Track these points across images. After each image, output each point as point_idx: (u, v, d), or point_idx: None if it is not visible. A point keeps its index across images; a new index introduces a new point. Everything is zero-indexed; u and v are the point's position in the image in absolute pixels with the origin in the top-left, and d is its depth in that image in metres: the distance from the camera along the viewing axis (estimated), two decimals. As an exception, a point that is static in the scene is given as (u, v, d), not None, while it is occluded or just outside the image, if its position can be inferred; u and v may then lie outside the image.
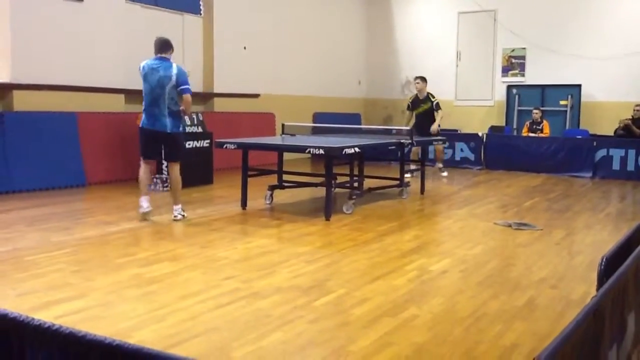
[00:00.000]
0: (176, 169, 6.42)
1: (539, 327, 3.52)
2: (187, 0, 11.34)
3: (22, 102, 8.25)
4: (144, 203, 6.27)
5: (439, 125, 10.30)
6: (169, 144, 6.38)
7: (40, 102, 8.39)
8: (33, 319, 1.28)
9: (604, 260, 2.11)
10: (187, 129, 9.11)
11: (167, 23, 10.82)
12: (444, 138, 9.93)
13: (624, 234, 2.62)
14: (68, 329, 1.23)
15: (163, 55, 6.30)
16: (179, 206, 6.42)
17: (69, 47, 8.78)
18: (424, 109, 10.35)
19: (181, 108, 6.27)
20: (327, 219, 6.57)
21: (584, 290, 4.24)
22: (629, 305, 2.07)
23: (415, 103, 10.53)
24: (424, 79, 10.45)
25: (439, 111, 10.27)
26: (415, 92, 10.76)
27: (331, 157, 6.68)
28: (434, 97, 10.37)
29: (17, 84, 8.21)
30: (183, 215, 6.43)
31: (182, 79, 6.19)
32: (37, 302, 3.74)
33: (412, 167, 9.70)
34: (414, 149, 9.54)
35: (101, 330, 3.30)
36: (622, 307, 1.97)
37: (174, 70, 6.19)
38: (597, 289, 2.01)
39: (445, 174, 10.79)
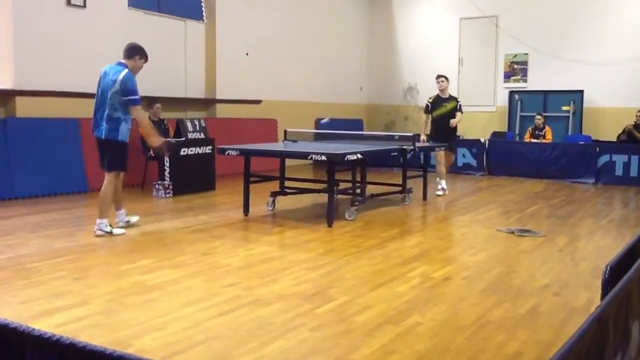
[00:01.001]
0: (107, 179, 5.89)
1: (542, 335, 3.50)
2: (189, 7, 11.38)
3: (24, 108, 8.27)
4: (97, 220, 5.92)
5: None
6: (104, 150, 5.94)
7: (43, 108, 8.41)
8: (33, 329, 1.27)
9: (608, 268, 2.10)
10: (190, 135, 9.10)
11: (170, 29, 10.86)
12: (446, 145, 9.88)
13: (628, 242, 2.60)
14: (68, 340, 1.22)
15: (123, 60, 5.97)
16: (102, 221, 5.82)
17: (72, 53, 8.81)
18: (447, 109, 9.39)
19: (133, 117, 5.89)
20: (330, 225, 6.55)
21: (587, 297, 4.21)
22: (633, 314, 2.05)
23: (436, 103, 9.48)
24: (447, 78, 9.72)
25: (460, 114, 9.41)
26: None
27: (333, 163, 6.67)
28: (458, 98, 9.75)
29: (20, 90, 8.23)
30: (108, 232, 5.81)
31: (127, 86, 5.74)
32: (38, 310, 3.73)
33: (442, 184, 9.30)
34: (440, 152, 9.07)
35: (102, 338, 3.29)
36: (626, 315, 1.96)
37: (120, 76, 5.76)
38: (602, 298, 2.00)
39: (441, 193, 9.34)
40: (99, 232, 5.83)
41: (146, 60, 6.11)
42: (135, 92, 5.79)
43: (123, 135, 5.87)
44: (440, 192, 9.33)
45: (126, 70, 5.84)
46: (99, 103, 5.92)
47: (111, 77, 5.83)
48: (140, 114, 5.93)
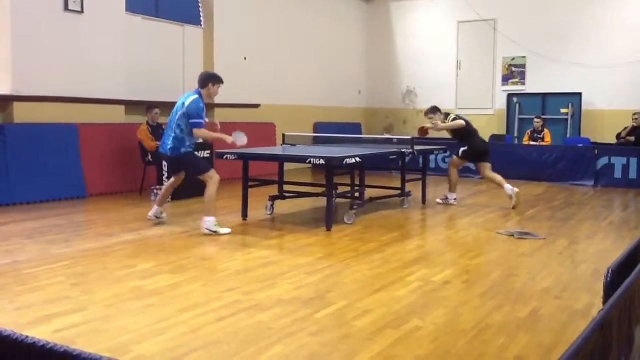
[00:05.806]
0: (207, 184, 6.24)
1: (543, 338, 3.48)
2: (187, 11, 11.37)
3: (22, 113, 8.24)
4: (151, 212, 6.73)
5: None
6: (177, 165, 6.53)
7: (41, 114, 8.39)
8: (27, 337, 1.25)
9: (610, 271, 2.08)
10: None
11: (168, 34, 10.85)
12: (444, 147, 9.88)
13: (630, 245, 2.58)
14: (62, 348, 1.20)
15: (199, 88, 6.32)
16: (210, 219, 6.13)
17: (70, 58, 8.79)
18: None
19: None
20: (329, 229, 6.53)
21: (588, 300, 4.19)
22: (636, 318, 2.03)
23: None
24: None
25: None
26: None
27: (332, 167, 6.66)
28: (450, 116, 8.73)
29: (18, 95, 8.20)
30: (214, 232, 6.08)
31: (191, 110, 6.10)
32: (35, 316, 3.70)
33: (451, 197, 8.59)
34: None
35: (100, 344, 3.27)
36: (629, 320, 1.94)
37: (188, 101, 6.13)
38: (604, 302, 1.98)
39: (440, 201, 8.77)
40: (206, 231, 6.10)
41: (221, 83, 6.38)
42: (198, 117, 6.12)
43: (185, 148, 6.25)
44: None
45: (196, 97, 6.19)
46: (169, 123, 6.34)
47: (182, 100, 6.23)
48: (202, 134, 6.26)
